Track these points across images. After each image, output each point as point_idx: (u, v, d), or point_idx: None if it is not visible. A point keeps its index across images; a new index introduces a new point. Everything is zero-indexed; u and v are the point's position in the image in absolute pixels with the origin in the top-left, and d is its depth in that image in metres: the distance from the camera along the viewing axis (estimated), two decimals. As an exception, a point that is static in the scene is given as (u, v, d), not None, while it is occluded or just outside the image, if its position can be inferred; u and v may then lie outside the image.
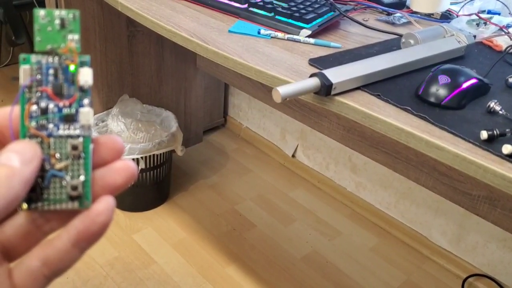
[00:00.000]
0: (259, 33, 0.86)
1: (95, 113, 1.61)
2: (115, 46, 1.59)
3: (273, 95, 0.62)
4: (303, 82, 0.64)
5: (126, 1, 0.99)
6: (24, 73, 0.27)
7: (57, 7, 1.45)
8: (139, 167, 1.49)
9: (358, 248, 1.54)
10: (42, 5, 1.55)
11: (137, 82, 1.70)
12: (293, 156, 1.88)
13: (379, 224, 1.63)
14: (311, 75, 0.66)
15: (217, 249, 1.49)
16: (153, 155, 1.48)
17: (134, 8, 0.95)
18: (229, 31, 0.87)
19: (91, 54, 1.55)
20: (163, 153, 1.52)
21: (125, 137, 1.51)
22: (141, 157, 1.46)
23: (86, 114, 0.27)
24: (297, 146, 1.85)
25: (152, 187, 1.59)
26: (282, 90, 0.61)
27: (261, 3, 0.93)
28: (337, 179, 1.74)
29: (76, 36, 0.27)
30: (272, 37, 0.86)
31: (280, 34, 0.86)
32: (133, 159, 1.46)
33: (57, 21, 0.27)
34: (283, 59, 0.77)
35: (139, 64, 1.68)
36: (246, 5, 0.95)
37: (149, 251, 1.46)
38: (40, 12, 0.27)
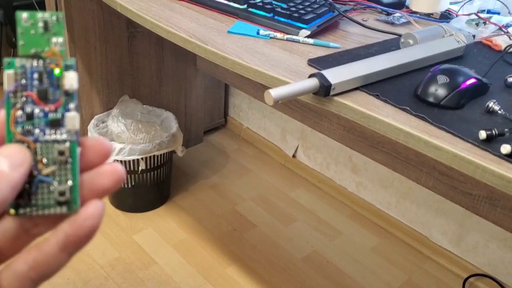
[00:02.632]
0: (258, 33, 0.86)
1: (95, 114, 1.61)
2: (115, 47, 1.60)
3: (265, 98, 0.59)
4: (296, 84, 0.63)
5: (125, 2, 0.99)
6: (8, 78, 0.26)
7: (56, 8, 1.46)
8: (140, 168, 1.49)
9: (359, 248, 1.54)
10: (42, 6, 1.55)
11: (137, 83, 1.70)
12: (293, 156, 1.88)
13: (379, 224, 1.63)
14: (310, 76, 0.66)
15: (218, 249, 1.49)
16: (154, 155, 1.49)
17: (133, 9, 0.96)
18: (228, 32, 0.87)
19: (91, 55, 1.55)
20: (164, 153, 1.52)
21: (126, 138, 1.51)
22: (142, 158, 1.46)
23: (72, 119, 0.26)
24: (297, 146, 1.85)
25: (153, 188, 1.59)
26: (275, 93, 0.59)
27: (260, 4, 0.93)
28: (338, 179, 1.74)
29: (60, 39, 0.27)
30: (271, 37, 0.86)
31: (279, 35, 0.86)
32: (134, 160, 1.46)
33: (40, 24, 0.26)
34: (282, 60, 0.77)
35: (139, 65, 1.68)
36: (245, 6, 0.95)
37: (149, 252, 1.46)
38: (23, 15, 0.26)
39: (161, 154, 1.51)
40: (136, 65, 1.67)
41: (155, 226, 1.56)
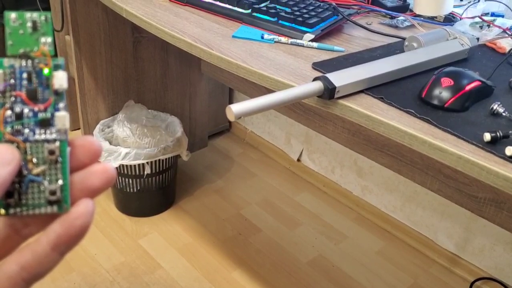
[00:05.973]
0: (262, 37, 0.87)
1: (101, 119, 1.62)
2: (120, 52, 1.61)
3: (227, 114, 0.57)
4: (258, 100, 0.59)
5: (130, 7, 0.99)
6: None
7: (62, 13, 1.47)
8: (145, 172, 1.50)
9: (364, 251, 1.54)
10: (47, 11, 1.56)
11: (142, 88, 1.71)
12: (298, 160, 1.88)
13: (385, 228, 1.63)
14: (315, 79, 0.66)
15: (223, 253, 1.49)
16: (159, 160, 1.49)
17: (139, 15, 0.96)
18: (233, 36, 0.88)
19: (97, 60, 1.56)
20: (169, 158, 1.52)
21: (131, 143, 1.52)
22: (147, 162, 1.47)
23: (62, 118, 0.27)
24: (302, 150, 1.85)
25: (158, 192, 1.59)
26: (235, 108, 0.56)
27: (265, 8, 0.94)
28: (343, 182, 1.74)
29: (49, 39, 0.27)
30: (275, 41, 0.86)
31: (283, 39, 0.86)
32: (139, 164, 1.47)
33: (29, 24, 0.27)
34: (286, 63, 0.78)
35: (144, 69, 1.69)
36: (249, 11, 0.95)
37: (155, 256, 1.46)
38: (11, 15, 0.26)
39: (166, 159, 1.51)
40: (141, 70, 1.68)
41: (160, 230, 1.57)
